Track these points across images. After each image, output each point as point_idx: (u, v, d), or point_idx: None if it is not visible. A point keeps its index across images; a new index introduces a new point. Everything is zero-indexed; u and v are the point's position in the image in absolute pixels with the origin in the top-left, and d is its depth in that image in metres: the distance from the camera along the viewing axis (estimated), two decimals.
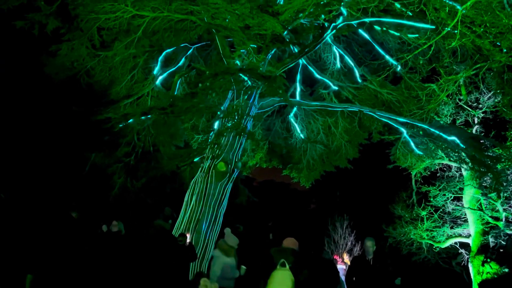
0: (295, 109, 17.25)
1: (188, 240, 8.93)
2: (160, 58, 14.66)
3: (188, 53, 15.12)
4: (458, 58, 10.31)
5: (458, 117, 19.27)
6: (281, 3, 9.21)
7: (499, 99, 18.02)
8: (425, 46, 7.45)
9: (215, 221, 11.36)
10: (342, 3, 8.39)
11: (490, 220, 16.98)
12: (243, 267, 8.16)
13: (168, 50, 14.44)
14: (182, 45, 14.45)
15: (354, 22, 10.67)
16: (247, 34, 8.79)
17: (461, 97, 18.56)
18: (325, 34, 10.76)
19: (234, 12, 8.25)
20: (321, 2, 8.20)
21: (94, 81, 14.24)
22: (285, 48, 12.66)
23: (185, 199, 11.61)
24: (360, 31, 13.99)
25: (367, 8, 8.28)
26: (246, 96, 10.22)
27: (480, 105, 19.03)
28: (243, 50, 9.72)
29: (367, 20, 10.45)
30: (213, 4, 8.40)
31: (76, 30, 11.08)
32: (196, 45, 15.02)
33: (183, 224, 10.99)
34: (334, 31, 10.83)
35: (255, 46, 9.70)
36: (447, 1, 6.66)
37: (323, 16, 10.05)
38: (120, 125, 12.10)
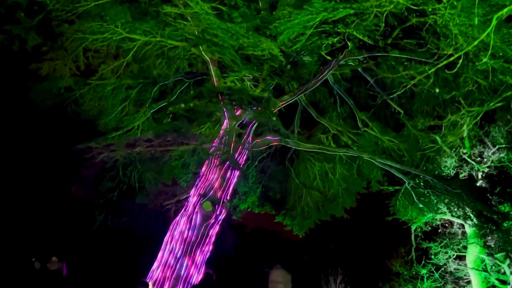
0: (291, 152, 16.59)
1: None
2: (154, 90, 14.08)
3: (184, 86, 14.58)
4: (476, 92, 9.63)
5: (461, 171, 18.52)
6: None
7: (504, 154, 17.49)
8: (445, 62, 6.77)
9: (196, 268, 10.24)
10: (348, 29, 7.83)
11: (496, 283, 15.83)
12: None
13: (163, 83, 13.90)
14: (178, 78, 13.94)
15: (358, 57, 10.13)
16: (241, 55, 8.18)
17: (465, 150, 17.91)
18: (326, 70, 10.20)
19: (227, 30, 7.65)
20: (326, 27, 7.62)
21: (81, 110, 13.57)
22: (283, 86, 12.10)
23: (165, 241, 10.53)
24: (363, 73, 13.50)
25: (374, 40, 7.74)
26: (235, 123, 9.44)
27: (485, 159, 18.34)
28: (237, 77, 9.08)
29: (372, 54, 9.91)
30: (206, 20, 7.82)
31: (60, 49, 10.40)
32: (192, 80, 14.50)
33: (160, 269, 9.86)
34: (336, 66, 10.27)
35: (251, 77, 9.10)
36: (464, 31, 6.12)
37: (324, 51, 9.47)
38: (102, 156, 11.21)
